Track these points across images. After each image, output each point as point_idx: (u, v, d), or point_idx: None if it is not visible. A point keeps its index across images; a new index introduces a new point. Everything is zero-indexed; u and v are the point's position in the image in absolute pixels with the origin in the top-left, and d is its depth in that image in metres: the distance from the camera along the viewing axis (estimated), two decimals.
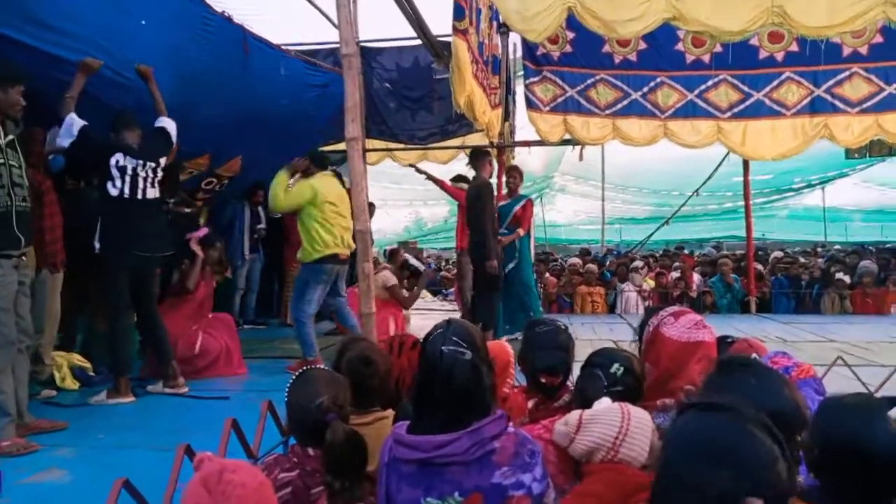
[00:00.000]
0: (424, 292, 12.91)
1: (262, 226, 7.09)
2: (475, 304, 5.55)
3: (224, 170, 6.05)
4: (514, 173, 6.33)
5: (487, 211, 5.24)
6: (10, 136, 3.02)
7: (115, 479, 1.42)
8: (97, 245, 3.83)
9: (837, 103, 7.32)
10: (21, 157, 3.09)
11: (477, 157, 5.62)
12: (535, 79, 7.67)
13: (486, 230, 5.20)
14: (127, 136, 3.93)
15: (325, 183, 4.78)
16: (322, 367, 1.87)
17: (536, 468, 1.37)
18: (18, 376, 3.14)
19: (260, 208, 7.02)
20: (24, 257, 3.13)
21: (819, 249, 14.25)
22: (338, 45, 7.88)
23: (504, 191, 6.68)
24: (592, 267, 9.11)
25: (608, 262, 10.36)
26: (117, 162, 3.81)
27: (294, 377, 1.79)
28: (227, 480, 1.22)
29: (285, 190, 4.64)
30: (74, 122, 3.60)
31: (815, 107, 7.37)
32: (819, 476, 1.22)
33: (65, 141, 3.64)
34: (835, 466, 1.22)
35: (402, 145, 8.96)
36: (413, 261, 6.61)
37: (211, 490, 1.22)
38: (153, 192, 4.00)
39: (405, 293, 6.08)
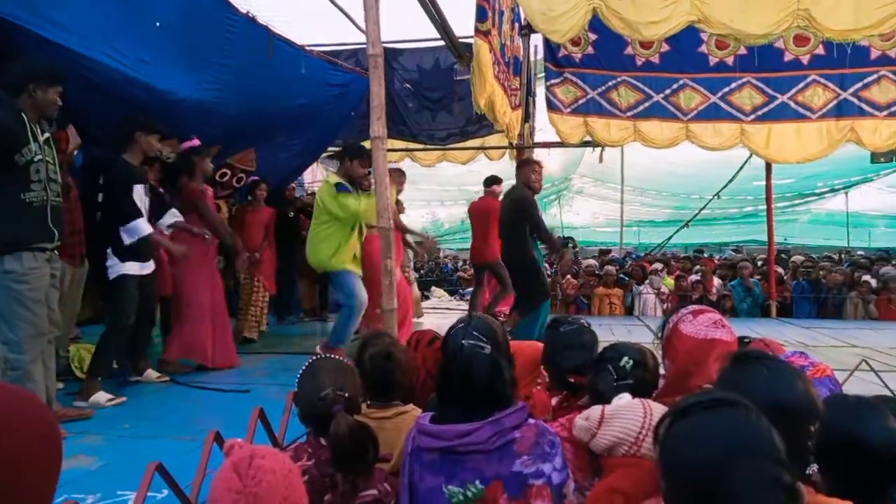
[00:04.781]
0: (441, 292, 12.98)
1: None
2: (519, 301, 5.44)
3: (237, 160, 6.06)
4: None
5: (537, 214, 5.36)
6: (47, 134, 3.11)
7: (147, 464, 1.47)
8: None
9: (864, 106, 7.22)
10: (55, 154, 3.18)
11: (519, 165, 5.75)
12: (557, 80, 7.68)
13: (543, 230, 5.30)
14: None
15: (371, 206, 4.62)
16: (331, 356, 1.87)
17: (556, 458, 1.40)
18: (47, 366, 3.23)
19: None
20: (56, 251, 3.22)
21: (843, 256, 14.05)
22: (360, 47, 8.09)
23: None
24: (610, 268, 9.09)
25: (628, 265, 10.32)
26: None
27: (302, 369, 1.79)
28: (258, 466, 1.26)
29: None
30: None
31: (842, 110, 7.28)
32: (821, 465, 1.26)
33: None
34: (834, 457, 1.29)
35: (421, 146, 9.02)
36: None
37: (241, 475, 1.26)
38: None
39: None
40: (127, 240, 3.93)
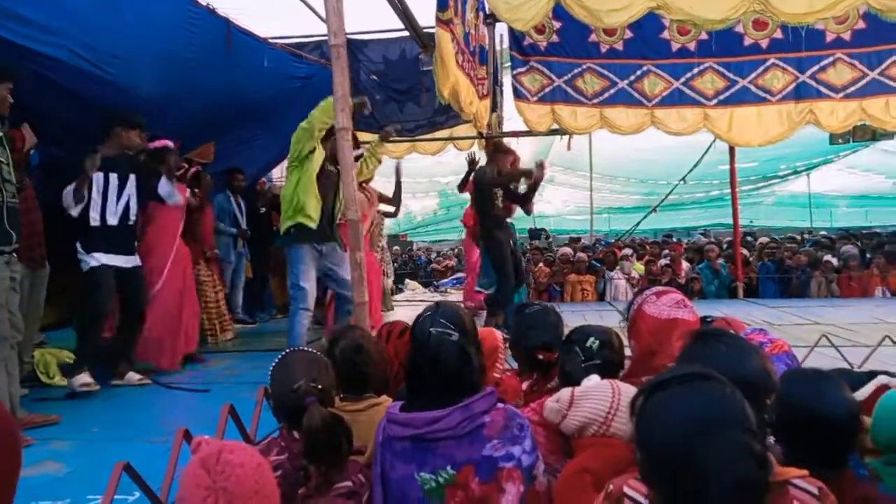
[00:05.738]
0: (415, 284, 12.99)
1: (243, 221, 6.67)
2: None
3: (196, 155, 5.90)
4: None
5: None
6: None
7: (115, 464, 1.45)
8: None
9: (822, 89, 7.39)
10: (9, 154, 3.09)
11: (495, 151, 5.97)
12: (523, 69, 7.69)
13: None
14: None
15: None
16: (304, 349, 1.85)
17: (526, 441, 1.41)
18: (10, 372, 3.15)
19: (241, 198, 6.64)
20: (15, 254, 3.13)
21: (806, 236, 14.43)
22: (324, 38, 7.96)
23: None
24: (582, 255, 9.18)
25: (598, 251, 10.44)
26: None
27: (275, 361, 1.77)
28: (226, 461, 1.24)
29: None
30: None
31: (800, 93, 7.44)
32: (778, 436, 1.31)
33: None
34: (793, 428, 1.35)
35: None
36: None
37: (210, 470, 1.24)
38: None
39: None
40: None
